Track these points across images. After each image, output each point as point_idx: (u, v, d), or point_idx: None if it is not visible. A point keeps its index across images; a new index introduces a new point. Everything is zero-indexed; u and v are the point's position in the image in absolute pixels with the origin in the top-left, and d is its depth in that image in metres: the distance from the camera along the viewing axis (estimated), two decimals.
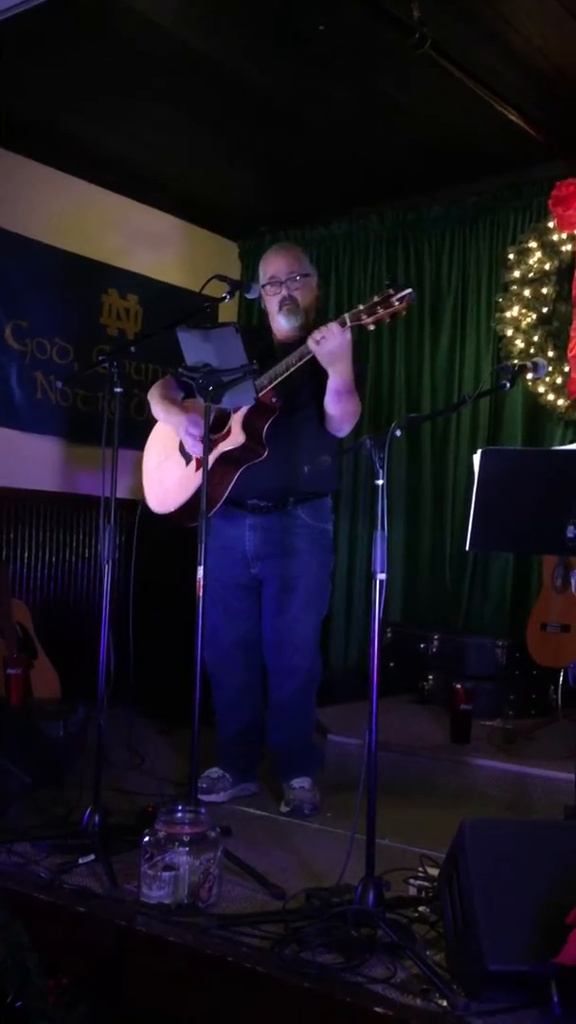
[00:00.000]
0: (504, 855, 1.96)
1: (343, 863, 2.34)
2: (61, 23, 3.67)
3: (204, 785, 3.26)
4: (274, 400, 3.09)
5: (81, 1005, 2.07)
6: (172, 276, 5.51)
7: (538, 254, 4.77)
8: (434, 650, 4.67)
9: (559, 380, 4.68)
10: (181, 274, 5.53)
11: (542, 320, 4.80)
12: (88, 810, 2.72)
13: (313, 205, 5.47)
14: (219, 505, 3.17)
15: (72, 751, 3.42)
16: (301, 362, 3.07)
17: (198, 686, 2.62)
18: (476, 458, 2.75)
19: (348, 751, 3.82)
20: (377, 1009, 1.85)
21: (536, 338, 4.78)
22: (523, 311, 4.80)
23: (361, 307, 2.91)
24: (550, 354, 4.71)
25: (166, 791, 3.32)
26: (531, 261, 4.78)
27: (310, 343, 3.01)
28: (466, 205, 5.16)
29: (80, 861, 2.55)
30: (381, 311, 2.87)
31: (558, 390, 4.70)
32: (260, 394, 2.98)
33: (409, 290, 2.84)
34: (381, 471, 2.31)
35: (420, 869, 2.49)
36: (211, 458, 3.06)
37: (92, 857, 2.55)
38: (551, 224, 4.71)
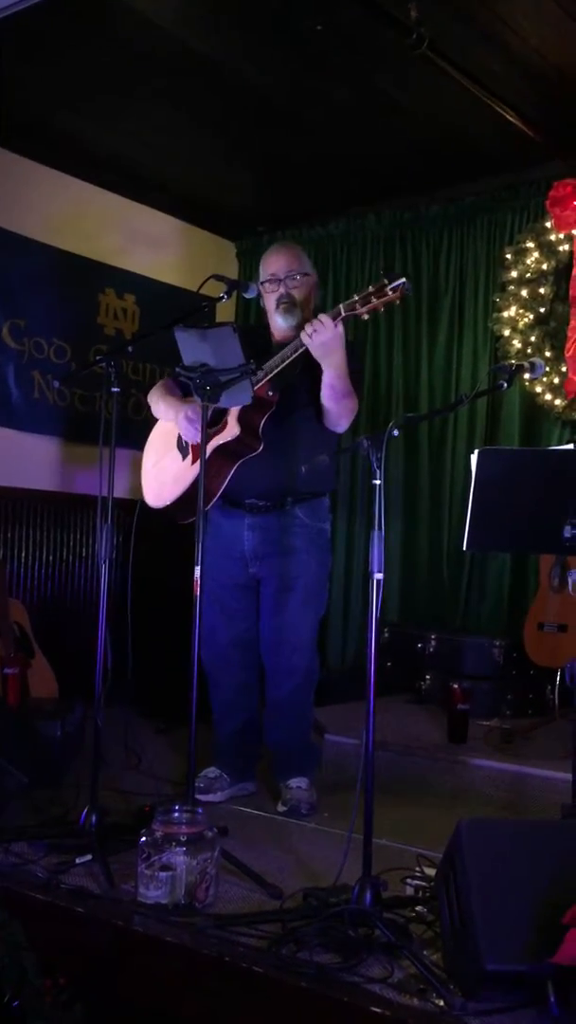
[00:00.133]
0: (501, 855, 1.96)
1: (340, 863, 2.34)
2: (60, 22, 3.67)
3: (201, 785, 3.26)
4: (270, 394, 3.09)
5: (78, 1005, 2.07)
6: (170, 276, 5.51)
7: (535, 254, 4.77)
8: (431, 650, 4.67)
9: (556, 380, 4.69)
10: (179, 274, 5.52)
11: (539, 320, 4.80)
12: (85, 810, 2.72)
13: (311, 205, 5.47)
14: (215, 501, 3.17)
15: (69, 751, 3.41)
16: (296, 354, 3.07)
17: (195, 685, 2.62)
18: (473, 458, 2.75)
19: (345, 751, 3.82)
20: (374, 1009, 1.85)
21: (533, 338, 4.78)
22: (520, 311, 4.80)
23: (355, 297, 2.91)
24: (547, 354, 4.71)
25: (163, 791, 3.32)
26: (528, 261, 4.79)
27: (303, 336, 3.01)
28: (464, 205, 5.17)
29: (77, 861, 2.55)
30: (375, 301, 2.87)
31: (555, 390, 4.70)
32: (255, 388, 2.98)
33: (403, 280, 2.83)
34: (378, 471, 2.32)
35: (417, 869, 2.49)
36: (207, 451, 3.06)
37: (89, 857, 2.55)
38: (548, 224, 4.71)
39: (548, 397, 4.72)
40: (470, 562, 5.07)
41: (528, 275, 4.80)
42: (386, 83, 4.10)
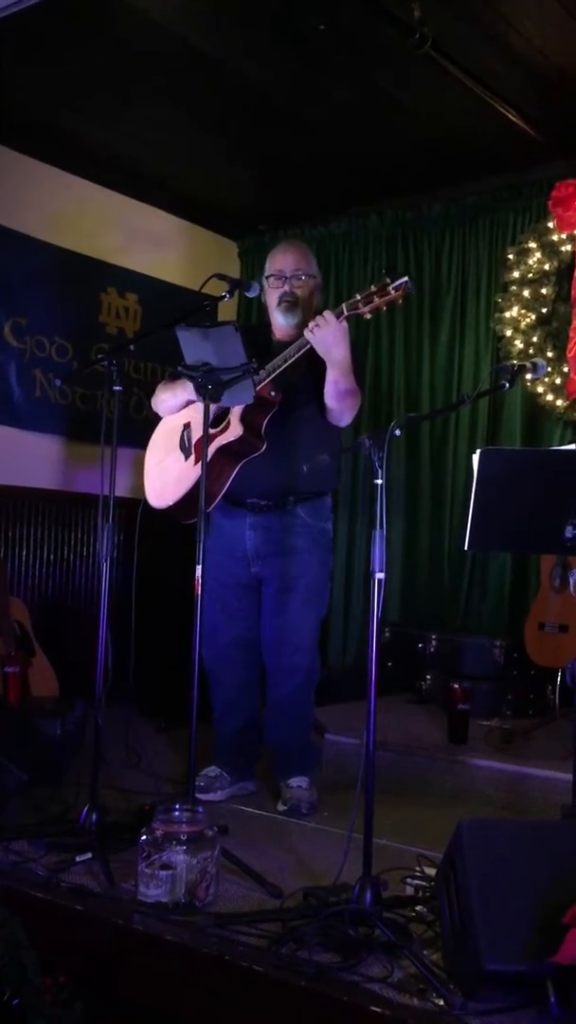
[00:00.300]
0: (501, 855, 1.96)
1: (340, 862, 2.34)
2: (60, 21, 3.67)
3: (202, 784, 3.26)
4: (273, 394, 3.09)
5: (78, 1003, 2.07)
6: (171, 275, 5.51)
7: (538, 254, 4.77)
8: (432, 650, 4.67)
9: (558, 380, 4.68)
10: (180, 273, 5.52)
11: (541, 320, 4.80)
12: (85, 808, 2.72)
13: (313, 204, 5.47)
14: (217, 501, 3.17)
15: (70, 749, 3.41)
16: (299, 354, 3.07)
17: (196, 684, 2.62)
18: (475, 458, 2.75)
19: (346, 750, 3.82)
20: (374, 1008, 1.85)
21: (535, 338, 4.78)
22: (522, 311, 4.80)
23: (358, 297, 2.93)
24: (549, 354, 4.71)
25: (164, 790, 3.32)
26: (531, 261, 4.78)
27: (306, 332, 3.02)
28: (466, 205, 5.16)
29: (77, 859, 2.55)
30: (378, 299, 2.88)
31: (557, 390, 4.70)
32: (258, 387, 2.98)
33: (405, 278, 2.85)
34: (380, 470, 2.32)
35: (417, 869, 2.49)
36: (209, 452, 3.06)
37: (89, 855, 2.55)
38: (551, 224, 4.71)
39: (550, 397, 4.72)
40: (471, 562, 5.07)
41: (530, 275, 4.79)
42: (388, 82, 4.09)
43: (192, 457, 3.22)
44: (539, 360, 2.79)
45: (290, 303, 3.29)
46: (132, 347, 3.18)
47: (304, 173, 5.05)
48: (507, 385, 2.65)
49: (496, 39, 3.73)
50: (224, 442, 3.10)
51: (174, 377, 3.34)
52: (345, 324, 3.01)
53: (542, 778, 3.50)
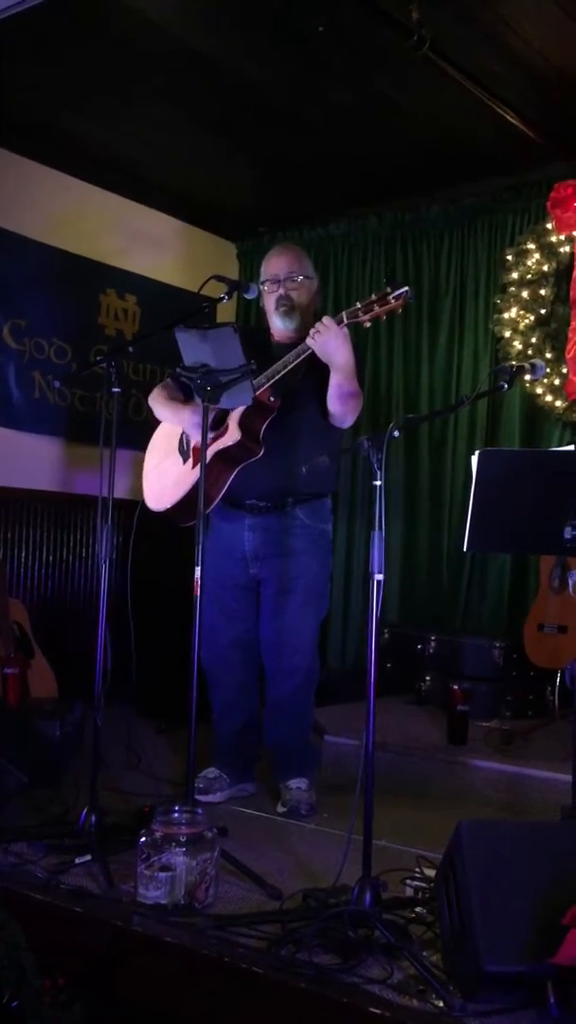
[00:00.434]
0: (501, 856, 1.96)
1: (340, 864, 2.34)
2: (60, 22, 3.67)
3: (201, 785, 3.26)
4: (272, 399, 3.10)
5: (77, 1005, 2.07)
6: (170, 276, 5.51)
7: (536, 256, 4.77)
8: (431, 651, 4.67)
9: (557, 381, 4.69)
10: (179, 274, 5.53)
11: (540, 322, 4.80)
12: (85, 810, 2.72)
13: (312, 206, 5.47)
14: (215, 504, 3.17)
15: (69, 751, 3.41)
16: (298, 360, 3.08)
17: (195, 686, 2.62)
18: (474, 459, 2.75)
19: (345, 751, 3.82)
20: (373, 1010, 1.85)
21: (534, 339, 4.78)
22: (521, 312, 4.80)
23: (358, 305, 2.94)
24: (548, 355, 4.71)
25: (163, 791, 3.32)
26: (529, 263, 4.79)
27: (308, 340, 3.03)
28: (464, 206, 5.17)
29: (77, 861, 2.55)
30: (377, 308, 2.90)
31: (556, 391, 4.70)
32: (257, 392, 2.99)
33: (406, 288, 2.86)
34: (379, 472, 2.32)
35: (417, 870, 2.49)
36: (207, 456, 3.06)
37: (89, 857, 2.55)
38: (549, 226, 4.71)
39: (548, 398, 4.72)
40: (470, 563, 5.07)
41: (529, 276, 4.80)
42: (387, 84, 4.10)
43: (191, 460, 3.23)
44: (538, 361, 2.79)
45: (287, 308, 3.30)
46: (131, 349, 3.18)
47: (303, 174, 5.05)
48: (506, 386, 2.65)
49: (495, 40, 3.73)
50: (222, 447, 3.10)
51: (173, 379, 3.34)
52: (345, 328, 3.01)
53: (541, 779, 3.50)
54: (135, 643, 3.24)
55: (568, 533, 2.70)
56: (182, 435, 3.31)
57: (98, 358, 3.00)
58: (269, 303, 3.34)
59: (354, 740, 3.77)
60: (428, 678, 4.57)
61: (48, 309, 4.91)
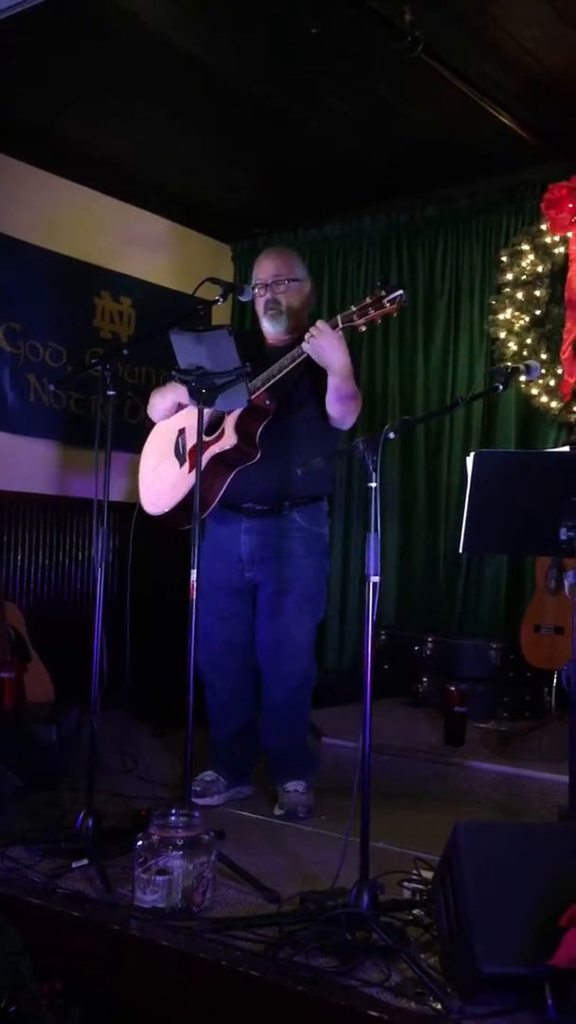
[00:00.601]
0: (498, 857, 1.96)
1: (337, 866, 2.34)
2: (54, 25, 3.66)
3: (198, 788, 3.26)
4: (267, 403, 3.10)
5: (74, 1009, 2.07)
6: (165, 279, 5.51)
7: (531, 256, 4.78)
8: (428, 652, 4.67)
9: (552, 382, 4.69)
10: (174, 277, 5.53)
11: (535, 322, 4.81)
12: (82, 814, 2.72)
13: (306, 207, 5.48)
14: (212, 508, 3.17)
15: (66, 754, 3.41)
16: (293, 364, 3.09)
17: (191, 689, 2.62)
18: (469, 460, 2.75)
19: (342, 754, 3.82)
20: (371, 1012, 1.85)
21: (529, 340, 4.79)
22: (516, 313, 4.81)
23: (353, 308, 2.94)
24: (543, 356, 4.72)
25: (160, 794, 3.31)
26: (524, 263, 4.79)
27: (303, 344, 3.03)
28: (459, 207, 5.17)
29: (73, 865, 2.54)
30: (372, 312, 2.90)
31: (551, 392, 4.71)
32: (253, 396, 2.99)
33: (400, 292, 2.86)
34: (374, 473, 2.32)
35: (414, 872, 2.49)
36: (204, 459, 3.06)
37: (85, 861, 2.55)
38: (544, 227, 4.71)
39: (544, 399, 4.73)
40: (466, 564, 5.07)
41: (524, 277, 4.80)
42: (380, 86, 4.10)
43: (187, 464, 3.22)
44: (533, 362, 2.80)
45: (275, 311, 3.31)
46: (126, 351, 3.18)
47: (298, 176, 5.06)
48: (501, 387, 2.65)
49: (487, 42, 3.74)
50: (218, 451, 3.10)
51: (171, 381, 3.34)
52: (340, 331, 3.01)
53: (538, 780, 3.50)
54: (131, 646, 3.24)
55: (564, 534, 2.70)
56: (178, 438, 3.31)
57: (93, 361, 3.00)
58: (258, 307, 3.35)
59: (351, 742, 3.77)
60: (425, 679, 4.57)
61: (43, 312, 4.91)
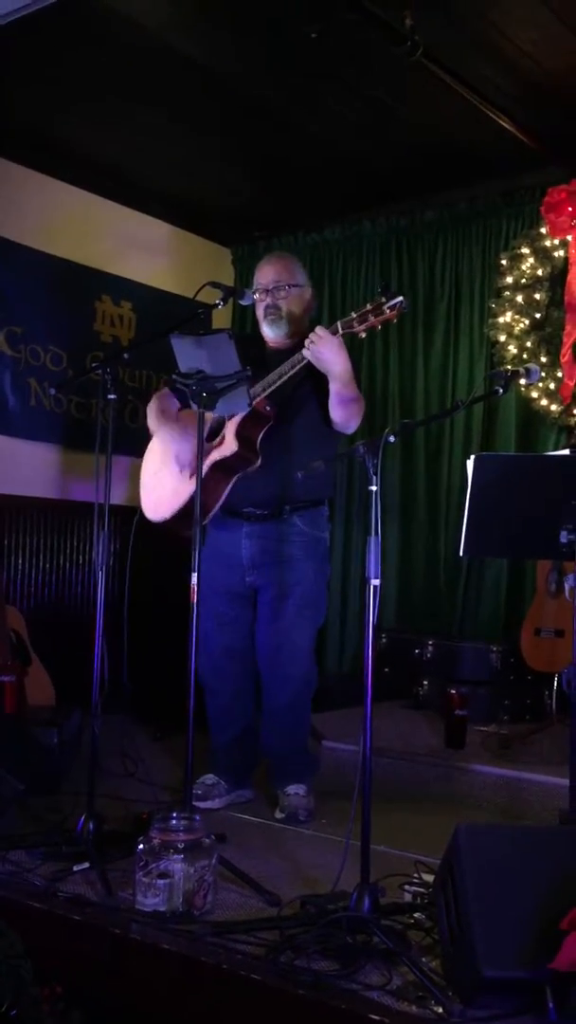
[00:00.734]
0: (499, 861, 1.96)
1: (338, 869, 2.34)
2: (54, 29, 3.67)
3: (199, 792, 3.26)
4: (268, 408, 3.10)
5: (75, 1013, 2.06)
6: (166, 282, 5.52)
7: (531, 260, 4.78)
8: (428, 655, 4.67)
9: (552, 385, 4.69)
10: (175, 280, 5.53)
11: (535, 326, 4.81)
12: (83, 817, 2.72)
13: (306, 211, 5.48)
14: (213, 513, 3.17)
15: (67, 758, 3.41)
16: (294, 370, 3.09)
17: (192, 693, 2.62)
18: (470, 463, 2.76)
19: (343, 757, 3.82)
20: (372, 1016, 1.85)
21: (529, 343, 4.79)
22: (516, 317, 4.81)
23: (353, 315, 2.95)
24: (543, 359, 4.72)
25: (161, 798, 3.31)
26: (524, 267, 4.80)
27: (304, 351, 3.04)
28: (459, 211, 5.18)
29: (75, 869, 2.54)
30: (372, 319, 2.90)
31: (551, 395, 4.71)
32: (254, 402, 3.00)
33: (400, 298, 2.86)
34: (374, 477, 2.32)
35: (415, 875, 2.48)
36: (204, 466, 3.06)
37: (87, 865, 2.55)
38: (543, 230, 4.72)
39: (544, 402, 4.73)
40: (467, 567, 5.07)
41: (523, 281, 4.80)
42: (380, 89, 4.10)
43: (188, 470, 3.22)
44: (533, 365, 2.79)
45: (275, 316, 3.31)
46: (126, 355, 3.18)
47: (298, 180, 5.07)
48: (501, 391, 2.65)
49: (487, 46, 3.74)
50: (219, 457, 3.10)
51: (169, 386, 3.34)
52: (340, 337, 3.02)
53: (539, 783, 3.50)
54: (131, 650, 3.24)
55: (564, 537, 2.71)
56: None
57: (94, 364, 3.00)
58: (258, 312, 3.37)
59: (352, 745, 3.77)
60: (426, 683, 4.57)
61: (43, 316, 4.92)
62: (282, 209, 5.45)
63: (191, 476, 3.15)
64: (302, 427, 3.26)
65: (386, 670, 4.69)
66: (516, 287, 4.82)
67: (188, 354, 2.70)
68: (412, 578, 5.28)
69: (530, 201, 4.87)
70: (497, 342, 4.88)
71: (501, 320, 4.84)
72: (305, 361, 3.07)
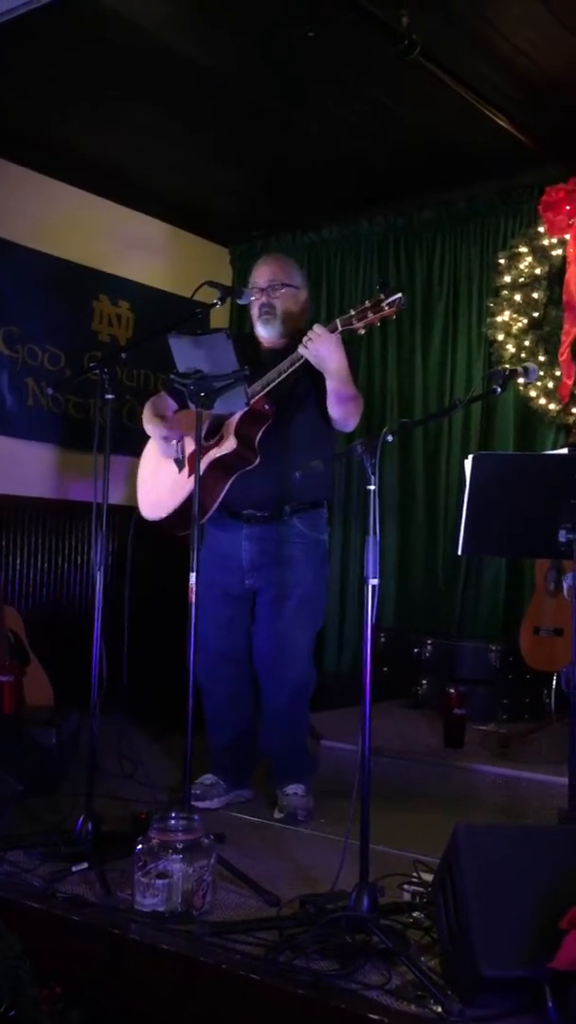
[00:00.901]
0: (498, 860, 1.96)
1: (337, 869, 2.34)
2: (52, 29, 3.67)
3: (197, 792, 3.25)
4: (267, 407, 3.10)
5: (74, 1013, 2.06)
6: (163, 282, 5.52)
7: (529, 259, 4.78)
8: (427, 654, 4.67)
9: (550, 384, 4.70)
10: (172, 280, 5.53)
11: (533, 324, 4.81)
12: (81, 818, 2.71)
13: (304, 210, 5.48)
14: (211, 513, 3.17)
15: (65, 758, 3.40)
16: (292, 368, 3.09)
17: (191, 693, 2.61)
18: (468, 463, 2.76)
19: (342, 756, 3.82)
20: (372, 1016, 1.84)
21: (527, 342, 4.79)
22: (514, 316, 4.81)
23: (352, 312, 2.95)
24: (541, 358, 4.72)
25: (159, 798, 3.30)
26: (522, 266, 4.80)
27: (300, 348, 3.04)
28: (457, 210, 5.18)
29: (73, 869, 2.53)
30: (371, 316, 2.90)
31: (549, 394, 4.71)
32: (252, 401, 3.00)
33: (399, 295, 2.86)
34: (373, 476, 2.32)
35: (414, 874, 2.48)
36: (203, 464, 3.06)
37: (85, 865, 2.54)
38: (541, 229, 4.72)
39: (542, 401, 4.73)
40: (466, 566, 5.08)
41: (521, 280, 4.81)
42: (378, 89, 4.11)
43: (186, 469, 3.22)
44: (531, 364, 2.80)
45: (268, 315, 3.31)
46: (124, 355, 3.18)
47: (295, 179, 5.07)
48: (499, 390, 2.65)
49: (484, 45, 3.74)
50: (218, 455, 3.10)
51: (166, 387, 3.34)
52: (338, 335, 3.02)
53: (538, 782, 3.50)
54: (130, 650, 3.24)
55: (562, 536, 2.70)
56: (176, 443, 3.30)
57: (91, 364, 3.00)
58: (253, 311, 3.37)
59: (351, 745, 3.77)
60: (424, 682, 4.57)
61: (41, 316, 4.91)
62: (280, 208, 5.45)
63: (189, 475, 3.15)
64: (301, 426, 3.26)
65: (385, 669, 4.70)
66: (514, 286, 4.82)
67: (186, 354, 2.70)
68: (411, 577, 5.28)
69: (528, 200, 4.87)
70: (495, 341, 4.88)
71: (499, 319, 4.84)
72: (304, 360, 3.07)
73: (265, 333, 3.34)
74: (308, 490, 3.29)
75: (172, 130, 4.54)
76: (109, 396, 2.86)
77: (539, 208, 4.68)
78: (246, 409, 3.03)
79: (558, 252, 4.72)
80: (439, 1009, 1.86)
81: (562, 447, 4.65)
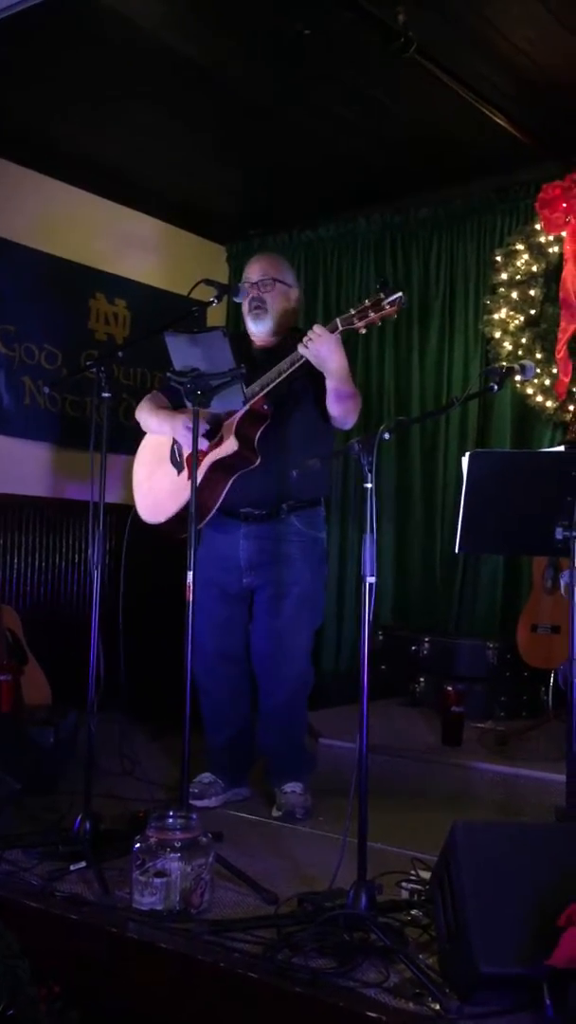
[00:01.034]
0: (496, 857, 1.96)
1: (335, 867, 2.34)
2: (48, 27, 3.66)
3: (195, 790, 3.25)
4: (266, 407, 3.10)
5: (73, 1012, 2.06)
6: (160, 280, 5.51)
7: (525, 256, 4.78)
8: (425, 652, 4.67)
9: (547, 382, 4.69)
10: (169, 278, 5.52)
11: (530, 322, 4.81)
12: (79, 816, 2.71)
13: (301, 209, 5.48)
14: (212, 514, 3.16)
15: (63, 757, 3.40)
16: (293, 368, 3.09)
17: (189, 691, 2.61)
18: (465, 460, 2.76)
19: (340, 754, 3.82)
20: (370, 1013, 1.85)
21: (524, 340, 4.79)
22: (511, 313, 4.81)
23: (352, 311, 2.94)
24: (538, 356, 4.72)
25: (157, 797, 3.31)
26: (518, 263, 4.80)
27: (300, 348, 3.04)
28: (453, 208, 5.17)
29: (71, 868, 2.54)
30: (372, 315, 2.90)
31: (546, 392, 4.71)
32: (252, 401, 3.00)
33: (399, 294, 2.86)
34: (370, 474, 2.32)
35: (412, 872, 2.49)
36: (203, 466, 3.06)
37: (83, 864, 2.54)
38: (538, 226, 4.72)
39: (539, 399, 4.73)
40: (463, 564, 5.07)
41: (518, 277, 4.80)
42: (374, 87, 4.10)
43: (185, 471, 3.21)
44: (528, 362, 2.81)
45: (259, 311, 3.31)
46: (121, 353, 3.18)
47: (292, 178, 5.06)
48: (496, 387, 2.65)
49: (481, 43, 3.74)
50: (218, 457, 3.09)
51: (163, 386, 3.33)
52: (338, 334, 3.02)
53: (536, 780, 3.50)
54: (127, 649, 3.24)
55: (559, 533, 2.71)
56: (172, 445, 3.30)
57: (88, 363, 3.00)
58: (244, 307, 3.36)
59: (349, 743, 3.77)
60: (422, 680, 4.57)
61: (38, 314, 4.91)
62: (277, 207, 5.44)
63: (189, 476, 3.14)
64: (298, 424, 3.25)
65: (382, 667, 4.70)
66: (511, 283, 4.82)
67: (183, 352, 2.70)
68: (408, 575, 5.28)
69: (525, 197, 4.86)
70: (492, 339, 4.88)
71: (496, 317, 4.84)
72: (304, 360, 3.06)
73: (256, 329, 3.34)
74: (305, 488, 3.29)
75: (169, 128, 4.53)
76: (106, 395, 2.85)
77: (535, 205, 4.67)
78: (246, 409, 3.03)
79: (555, 249, 4.72)
80: (437, 1007, 1.86)
81: (559, 444, 4.65)
